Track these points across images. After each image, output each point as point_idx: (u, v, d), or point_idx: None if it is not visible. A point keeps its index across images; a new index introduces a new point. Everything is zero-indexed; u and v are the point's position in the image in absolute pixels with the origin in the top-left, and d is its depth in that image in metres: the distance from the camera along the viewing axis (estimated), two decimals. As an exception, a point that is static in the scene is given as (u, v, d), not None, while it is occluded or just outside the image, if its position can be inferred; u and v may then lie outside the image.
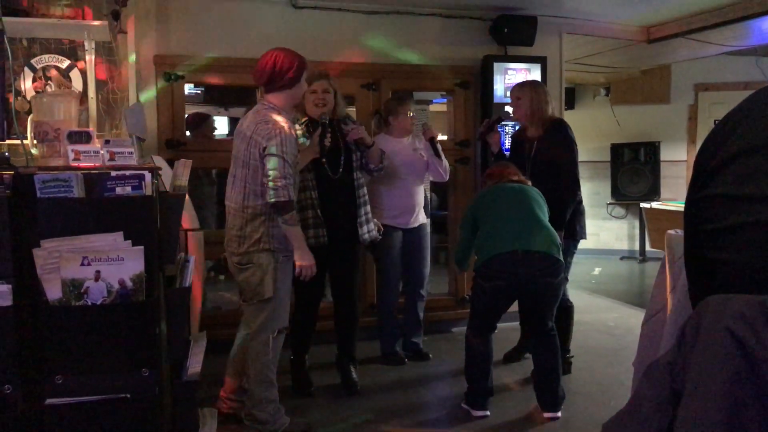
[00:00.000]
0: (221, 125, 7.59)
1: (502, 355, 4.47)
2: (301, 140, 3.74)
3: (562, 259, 3.53)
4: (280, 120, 3.18)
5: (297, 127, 3.76)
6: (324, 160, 3.76)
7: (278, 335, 3.33)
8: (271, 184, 3.08)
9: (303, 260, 3.22)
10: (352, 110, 5.39)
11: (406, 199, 4.45)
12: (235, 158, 3.27)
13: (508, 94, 4.58)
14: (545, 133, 4.16)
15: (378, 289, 4.70)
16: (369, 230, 3.98)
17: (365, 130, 4.05)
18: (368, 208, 3.99)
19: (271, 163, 3.09)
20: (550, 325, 3.63)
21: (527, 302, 3.61)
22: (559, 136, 4.13)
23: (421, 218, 4.57)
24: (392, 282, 4.55)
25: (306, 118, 3.87)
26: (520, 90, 4.34)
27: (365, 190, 4.01)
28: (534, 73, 5.36)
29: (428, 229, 4.72)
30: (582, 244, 4.33)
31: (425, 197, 4.75)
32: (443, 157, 4.47)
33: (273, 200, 3.09)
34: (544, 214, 3.64)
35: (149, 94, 4.54)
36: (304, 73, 3.31)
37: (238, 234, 3.22)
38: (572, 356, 4.39)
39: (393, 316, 4.58)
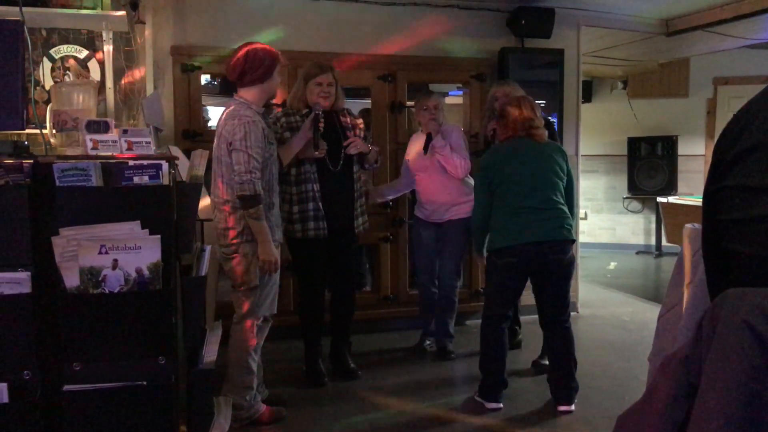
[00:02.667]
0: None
1: (530, 362, 4.35)
2: (287, 134, 3.79)
3: (572, 237, 3.58)
4: (248, 115, 3.22)
5: (298, 118, 3.84)
6: (319, 153, 3.75)
7: (263, 323, 3.38)
8: (236, 178, 3.15)
9: (265, 255, 3.24)
10: (367, 102, 5.38)
11: (434, 194, 4.45)
12: (214, 155, 3.31)
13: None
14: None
15: None
16: (363, 222, 4.06)
17: (362, 131, 4.05)
18: (363, 200, 4.09)
19: (236, 158, 3.16)
20: (565, 316, 3.63)
21: (540, 282, 3.61)
22: None
23: (453, 213, 4.45)
24: (420, 277, 4.67)
25: (307, 110, 3.89)
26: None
27: (361, 183, 4.09)
28: (552, 66, 5.33)
29: (462, 225, 4.51)
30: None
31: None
32: (445, 153, 4.30)
33: (238, 194, 3.16)
34: (560, 190, 3.60)
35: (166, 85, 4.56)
36: (277, 68, 3.34)
37: (223, 227, 3.27)
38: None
39: (428, 309, 4.64)
